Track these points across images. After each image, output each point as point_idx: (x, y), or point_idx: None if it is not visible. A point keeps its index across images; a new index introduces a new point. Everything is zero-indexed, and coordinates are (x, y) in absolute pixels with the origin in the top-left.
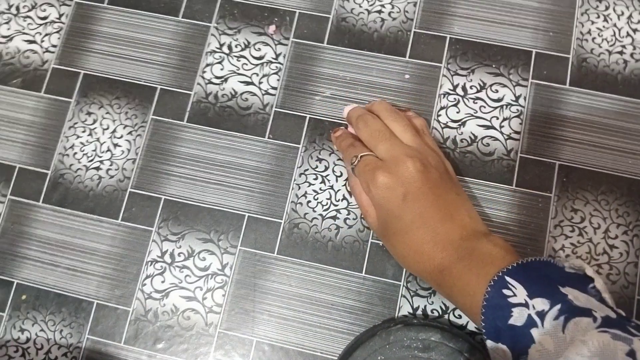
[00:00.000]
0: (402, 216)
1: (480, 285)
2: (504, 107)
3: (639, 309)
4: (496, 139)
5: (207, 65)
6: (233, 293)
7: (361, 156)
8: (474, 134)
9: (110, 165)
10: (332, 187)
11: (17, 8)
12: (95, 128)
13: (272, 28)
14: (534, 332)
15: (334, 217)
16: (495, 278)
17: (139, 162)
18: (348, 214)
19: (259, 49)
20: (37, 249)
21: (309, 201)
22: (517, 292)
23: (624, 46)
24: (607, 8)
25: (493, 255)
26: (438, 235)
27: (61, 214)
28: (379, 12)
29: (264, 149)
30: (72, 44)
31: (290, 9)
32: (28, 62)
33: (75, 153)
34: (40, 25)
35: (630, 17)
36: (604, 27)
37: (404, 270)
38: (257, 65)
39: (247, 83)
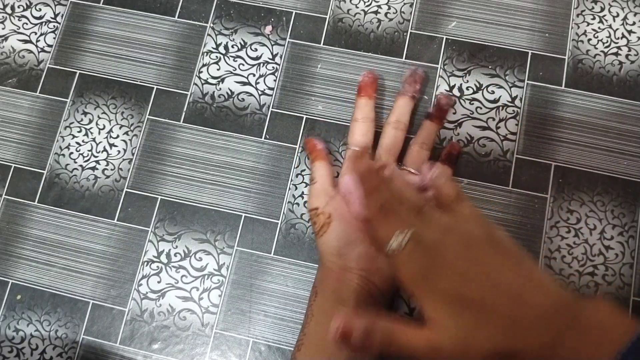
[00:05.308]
0: None
1: None
2: (500, 108)
3: (634, 310)
4: (492, 140)
5: (204, 65)
6: (229, 293)
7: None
8: (470, 135)
9: (107, 165)
10: None
11: (12, 7)
12: (91, 128)
13: (268, 28)
14: None
15: None
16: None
17: (135, 162)
18: None
19: (256, 50)
20: (32, 249)
21: (305, 202)
22: None
23: (619, 47)
24: (602, 9)
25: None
26: None
27: (57, 214)
28: (376, 12)
29: (261, 150)
30: (68, 43)
31: (286, 10)
32: (23, 62)
33: (71, 153)
34: (36, 24)
35: (625, 18)
36: (599, 28)
37: None
38: (253, 65)
39: (244, 83)
